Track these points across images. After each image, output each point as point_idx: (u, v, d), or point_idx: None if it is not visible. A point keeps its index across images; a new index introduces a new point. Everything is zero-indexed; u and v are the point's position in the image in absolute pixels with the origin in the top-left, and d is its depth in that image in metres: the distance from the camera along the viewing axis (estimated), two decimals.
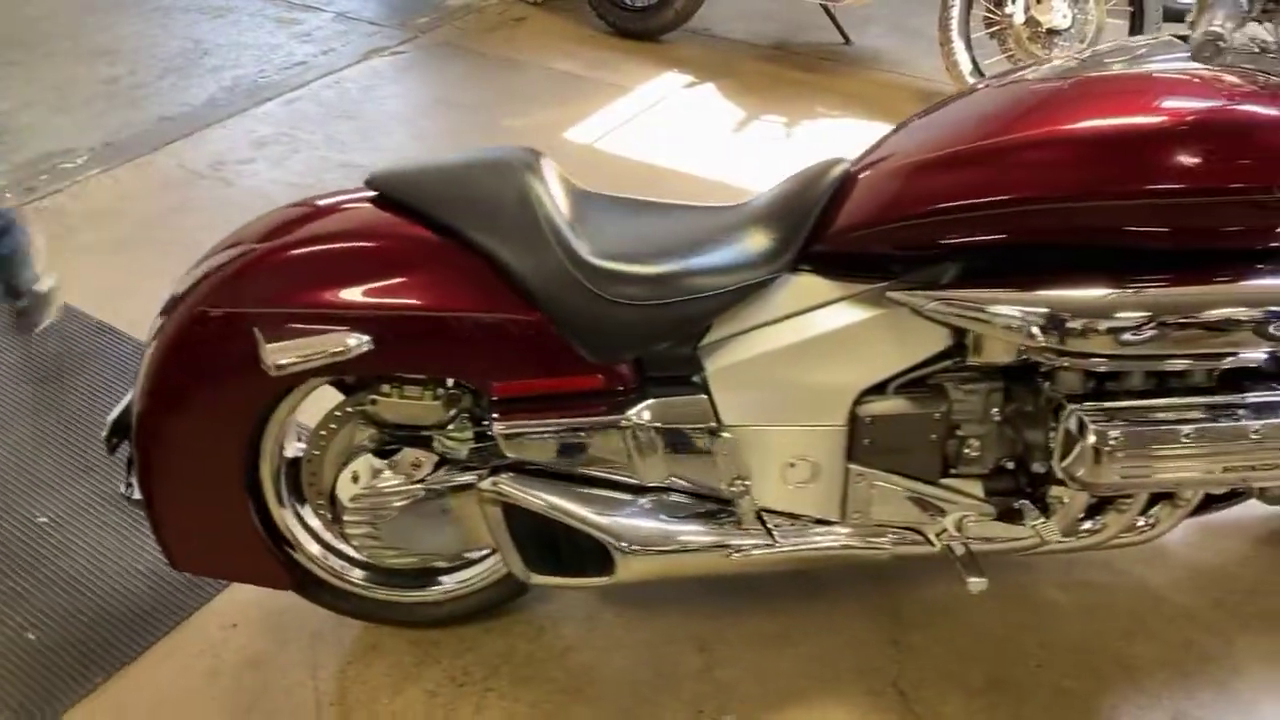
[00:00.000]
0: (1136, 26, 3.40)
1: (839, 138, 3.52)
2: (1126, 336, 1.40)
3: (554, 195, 1.52)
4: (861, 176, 1.55)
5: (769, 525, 1.60)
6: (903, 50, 4.13)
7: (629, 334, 1.49)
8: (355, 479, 1.59)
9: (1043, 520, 1.61)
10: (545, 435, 1.51)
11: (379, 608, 1.79)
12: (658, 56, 4.21)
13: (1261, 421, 1.44)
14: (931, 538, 1.63)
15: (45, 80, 4.08)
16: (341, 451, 1.63)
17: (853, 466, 1.58)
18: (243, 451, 1.58)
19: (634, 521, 1.55)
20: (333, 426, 1.62)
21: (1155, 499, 1.62)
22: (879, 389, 1.56)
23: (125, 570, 1.98)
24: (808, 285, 1.54)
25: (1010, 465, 1.63)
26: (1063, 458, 1.49)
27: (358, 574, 1.75)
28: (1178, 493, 1.59)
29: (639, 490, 1.58)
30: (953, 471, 1.62)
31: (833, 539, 1.63)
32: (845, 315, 1.54)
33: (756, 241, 1.54)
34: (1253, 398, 1.46)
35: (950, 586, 1.89)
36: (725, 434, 1.54)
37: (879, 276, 1.53)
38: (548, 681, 1.77)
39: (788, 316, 1.55)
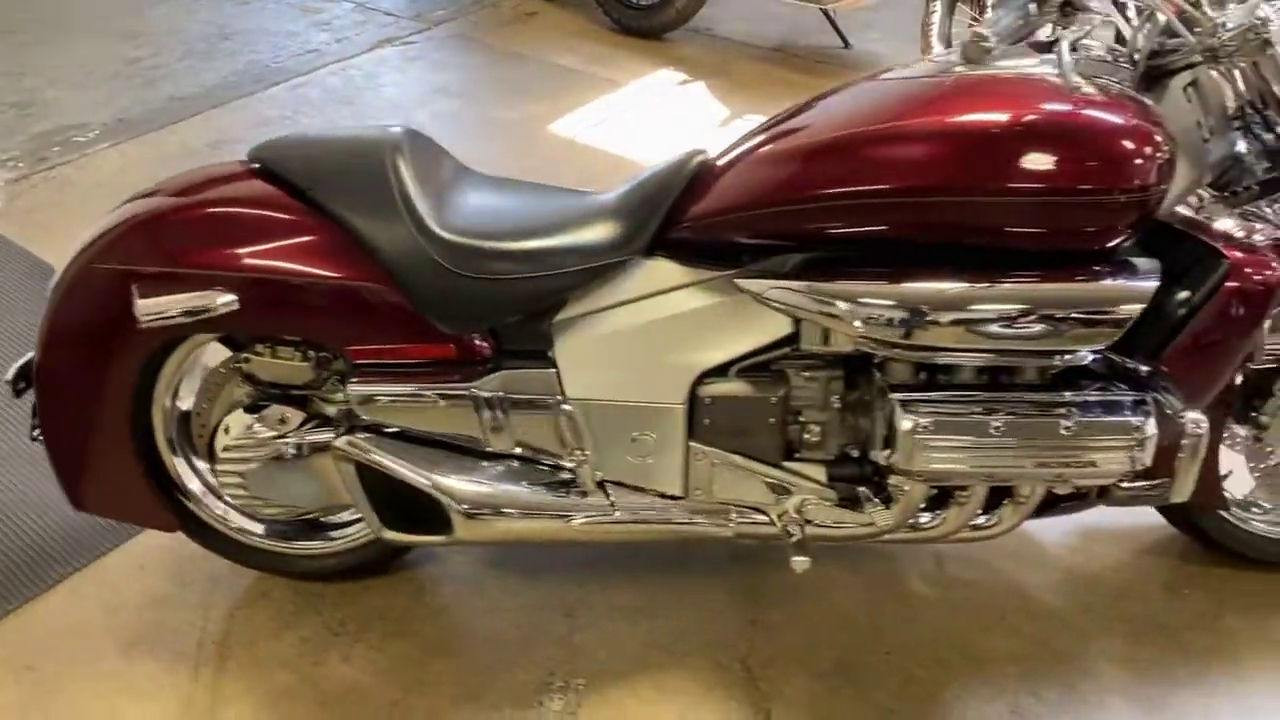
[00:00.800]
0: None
1: None
2: (945, 330, 1.45)
3: (418, 172, 1.60)
4: (718, 167, 1.61)
5: (611, 497, 1.67)
6: (899, 55, 4.12)
7: (476, 306, 1.58)
8: (227, 431, 1.71)
9: (882, 508, 1.65)
10: (396, 400, 1.61)
11: (264, 558, 1.90)
12: (656, 54, 4.29)
13: (1073, 420, 1.47)
14: (774, 518, 1.68)
15: (74, 59, 4.31)
16: (223, 406, 1.75)
17: (694, 444, 1.64)
18: (129, 400, 1.70)
19: (474, 485, 1.63)
20: (216, 382, 1.74)
21: (998, 496, 1.65)
22: (721, 371, 1.62)
23: (41, 511, 2.10)
24: (659, 270, 1.61)
25: (854, 453, 1.68)
26: (885, 445, 1.54)
27: (243, 523, 1.86)
28: (1016, 490, 1.62)
29: (489, 456, 1.67)
30: (797, 456, 1.68)
31: (676, 514, 1.69)
32: (691, 300, 1.60)
33: (612, 225, 1.60)
34: (1069, 396, 1.49)
35: (818, 570, 1.92)
36: (568, 407, 1.61)
37: (728, 264, 1.59)
38: (416, 636, 1.86)
39: (638, 299, 1.61)
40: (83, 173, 3.49)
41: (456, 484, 1.62)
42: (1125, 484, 1.61)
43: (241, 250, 1.57)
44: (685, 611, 1.89)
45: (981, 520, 1.67)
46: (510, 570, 1.98)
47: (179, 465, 1.81)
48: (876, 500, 1.65)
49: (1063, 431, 1.47)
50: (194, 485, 1.83)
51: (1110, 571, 1.96)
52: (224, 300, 1.55)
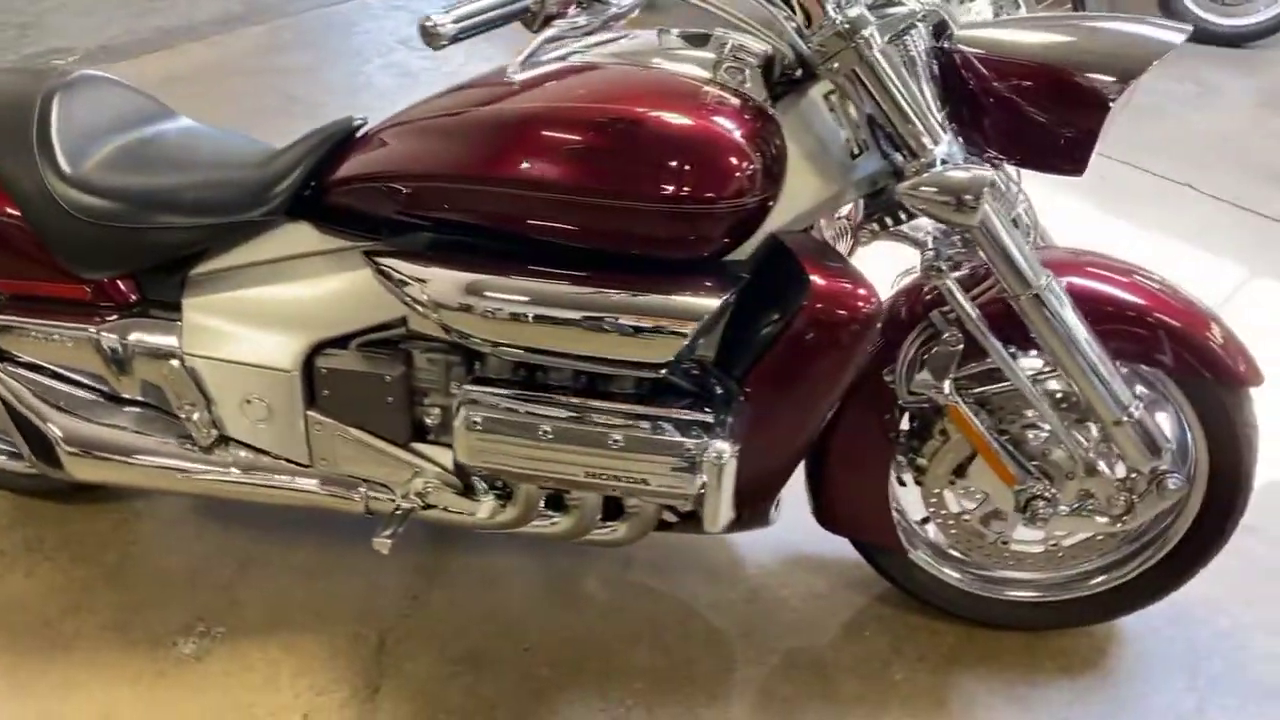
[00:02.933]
0: None
1: None
2: (499, 325, 1.41)
3: (74, 116, 1.64)
4: (369, 135, 1.59)
5: (231, 457, 1.69)
6: None
7: (102, 253, 1.61)
8: None
9: (498, 502, 1.62)
10: (26, 334, 1.67)
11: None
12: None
13: (624, 433, 1.41)
14: (398, 498, 1.67)
15: None
16: None
17: (311, 414, 1.64)
18: None
19: (90, 427, 1.69)
20: None
21: (614, 506, 1.60)
22: (344, 343, 1.61)
23: None
24: (298, 233, 1.61)
25: None
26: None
27: None
28: (625, 502, 1.57)
29: (123, 401, 1.71)
30: (429, 438, 1.66)
31: (301, 482, 1.70)
32: (320, 268, 1.60)
33: (256, 183, 1.60)
34: (623, 408, 1.42)
35: (504, 558, 1.92)
36: (179, 361, 1.64)
37: (367, 236, 1.57)
38: (99, 564, 1.93)
39: (272, 260, 1.62)
40: None
41: (67, 422, 1.68)
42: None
43: None
44: (355, 578, 1.90)
45: (603, 527, 1.62)
46: (212, 515, 2.03)
47: None
48: (492, 492, 1.62)
49: (611, 444, 1.41)
50: None
51: (798, 600, 1.86)
52: None
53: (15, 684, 1.72)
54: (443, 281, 1.42)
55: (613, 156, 1.36)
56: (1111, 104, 1.33)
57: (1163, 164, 3.27)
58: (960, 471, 1.61)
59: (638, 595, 1.88)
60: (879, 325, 1.40)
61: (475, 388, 1.48)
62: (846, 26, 1.28)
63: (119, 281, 1.66)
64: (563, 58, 1.47)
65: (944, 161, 1.30)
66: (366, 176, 1.52)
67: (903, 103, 1.31)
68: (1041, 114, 1.36)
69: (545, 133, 1.38)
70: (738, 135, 1.33)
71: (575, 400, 1.44)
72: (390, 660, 1.77)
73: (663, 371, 1.41)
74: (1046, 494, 1.56)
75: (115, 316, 1.66)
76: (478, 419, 1.44)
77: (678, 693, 1.71)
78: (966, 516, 1.67)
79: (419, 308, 1.45)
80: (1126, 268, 1.55)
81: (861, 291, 1.37)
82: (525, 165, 1.38)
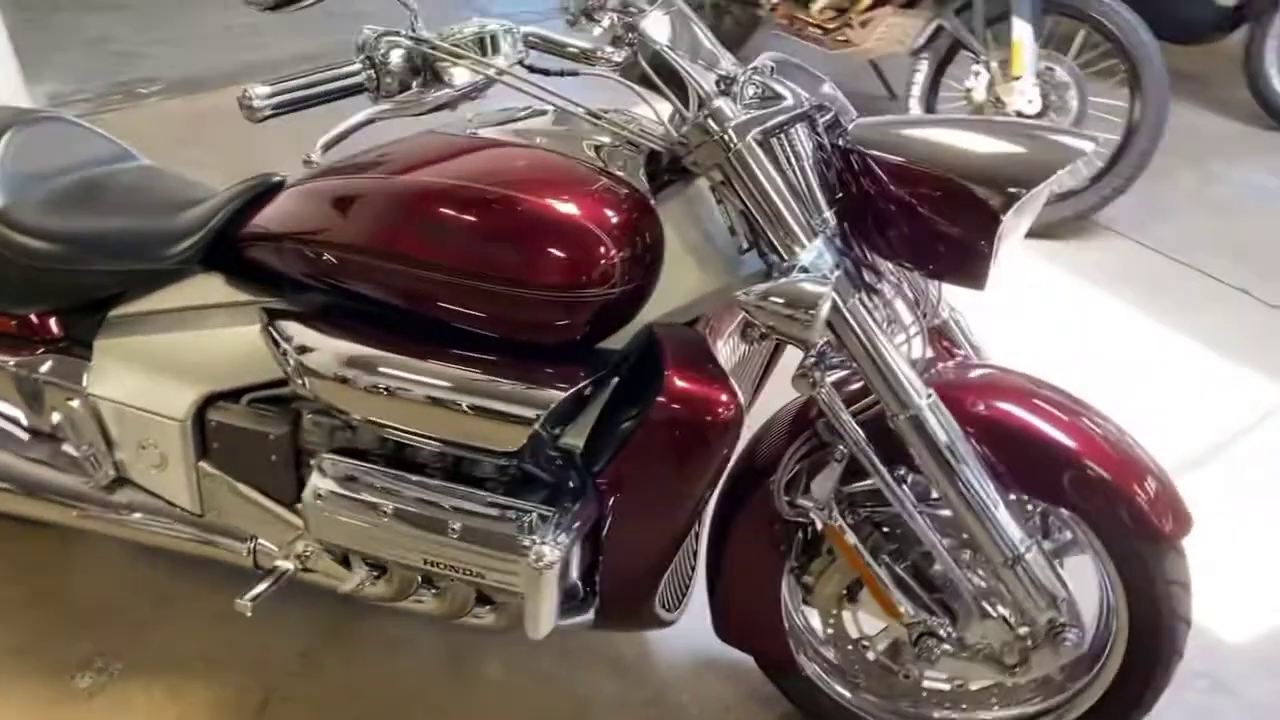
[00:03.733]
0: (1135, 111, 2.95)
1: None
2: (354, 394, 1.38)
3: (19, 154, 1.70)
4: (280, 192, 1.59)
5: (125, 499, 1.70)
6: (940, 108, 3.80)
7: (20, 290, 1.65)
8: None
9: (371, 573, 1.58)
10: None
11: None
12: None
13: (463, 521, 1.34)
14: (279, 557, 1.64)
15: (186, 23, 4.81)
16: None
17: (203, 465, 1.63)
18: None
19: None
20: None
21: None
22: (238, 397, 1.61)
23: None
24: (208, 284, 1.61)
25: None
26: None
27: None
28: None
29: (32, 432, 1.75)
30: None
31: (193, 530, 1.69)
32: (222, 320, 1.59)
33: (172, 231, 1.61)
34: (465, 495, 1.36)
35: (411, 626, 1.87)
36: (83, 400, 1.66)
37: (269, 291, 1.57)
38: (25, 585, 1.96)
39: (180, 309, 1.63)
40: (125, 120, 3.90)
41: None
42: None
43: None
44: (258, 626, 1.85)
45: (479, 611, 1.56)
46: (145, 549, 2.02)
47: None
48: (366, 564, 1.58)
49: (449, 532, 1.35)
50: None
51: (698, 708, 1.75)
52: None
53: None
54: (315, 345, 1.40)
55: (475, 237, 1.31)
56: (1001, 218, 1.21)
57: (1221, 265, 3.02)
58: (852, 595, 1.49)
59: (537, 683, 1.80)
60: (735, 430, 1.30)
61: (332, 457, 1.45)
62: (708, 120, 1.21)
63: (44, 318, 1.70)
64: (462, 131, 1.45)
65: (804, 270, 1.21)
66: (266, 234, 1.52)
67: (765, 203, 1.22)
68: (934, 222, 1.26)
69: (414, 208, 1.35)
70: (606, 222, 1.27)
71: (421, 482, 1.39)
72: (271, 713, 1.74)
73: (514, 460, 1.35)
74: (942, 632, 1.42)
75: (37, 351, 1.70)
76: (323, 489, 1.41)
77: None
78: (865, 643, 1.54)
79: (288, 369, 1.43)
80: (1055, 398, 1.39)
81: (719, 393, 1.28)
82: (393, 238, 1.36)
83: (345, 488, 1.41)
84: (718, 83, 1.29)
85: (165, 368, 1.62)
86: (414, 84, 1.23)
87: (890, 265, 1.42)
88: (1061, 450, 1.33)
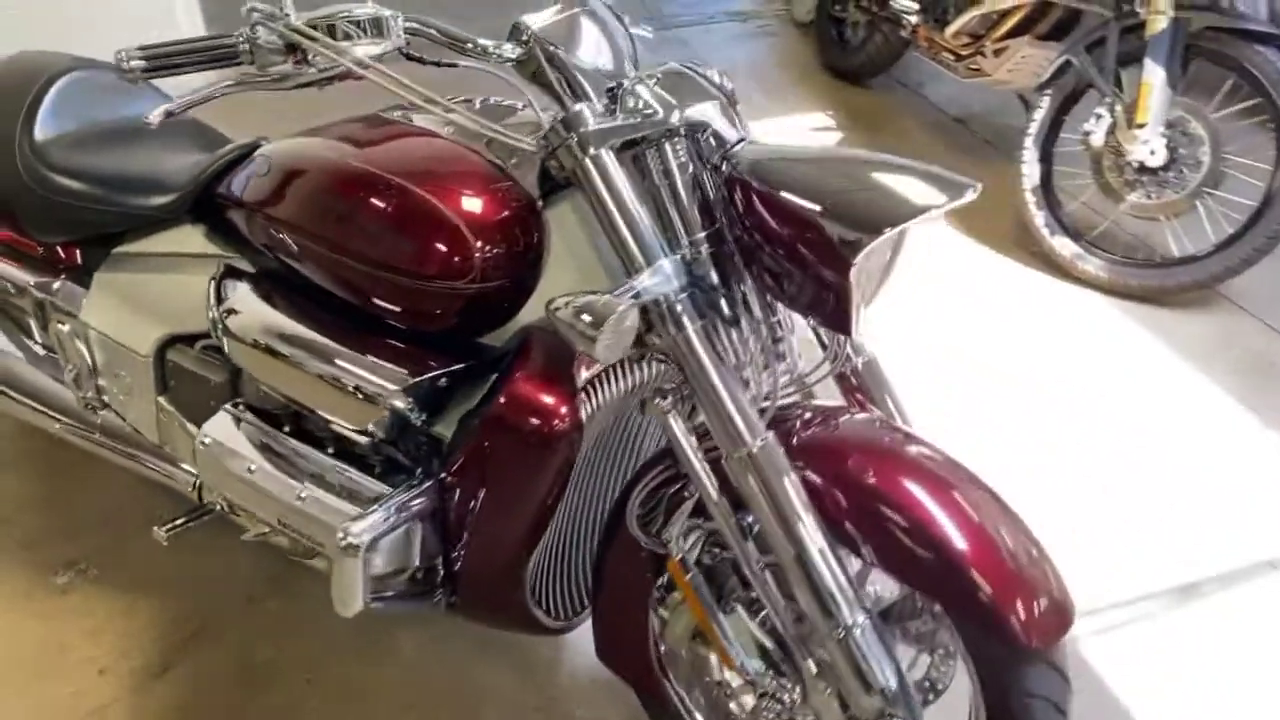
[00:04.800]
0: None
1: None
2: (246, 350, 1.46)
3: (69, 97, 1.88)
4: (252, 156, 1.68)
5: (99, 420, 1.85)
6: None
7: (46, 221, 1.82)
8: None
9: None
10: None
11: None
12: (835, 95, 4.07)
13: (307, 491, 1.38)
14: (209, 495, 1.74)
15: None
16: None
17: (160, 400, 1.76)
18: None
19: (4, 362, 1.91)
20: None
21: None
22: (193, 342, 1.72)
23: None
24: (189, 235, 1.72)
25: None
26: None
27: None
28: None
29: (48, 350, 1.93)
30: None
31: (152, 460, 1.83)
32: (189, 268, 1.69)
33: (168, 182, 1.73)
34: (317, 463, 1.39)
35: None
36: (75, 326, 1.81)
37: (239, 249, 1.68)
38: (44, 485, 2.18)
39: (164, 254, 1.76)
40: None
41: None
42: None
43: None
44: (217, 564, 2.00)
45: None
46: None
47: None
48: None
49: (296, 498, 1.39)
50: None
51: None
52: None
53: None
54: (238, 305, 1.49)
55: (352, 216, 1.34)
56: (853, 263, 1.11)
57: None
58: (706, 638, 1.41)
59: (441, 666, 1.82)
60: (567, 444, 1.27)
61: (231, 409, 1.52)
62: (561, 124, 1.19)
63: (67, 248, 1.88)
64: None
65: (638, 294, 1.15)
66: (228, 196, 1.61)
67: (608, 216, 1.18)
68: (796, 258, 1.17)
69: (315, 183, 1.40)
70: (471, 215, 1.28)
71: (288, 446, 1.44)
72: (193, 649, 1.85)
73: (372, 439, 1.38)
74: (785, 698, 1.33)
75: (56, 276, 1.88)
76: (209, 437, 1.49)
77: None
78: (728, 691, 1.46)
79: (210, 320, 1.52)
80: (932, 466, 1.24)
81: (558, 405, 1.25)
82: (297, 211, 1.41)
83: (226, 438, 1.48)
84: (610, 90, 1.26)
85: (140, 306, 1.76)
86: (286, 61, 1.26)
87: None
88: (921, 524, 1.19)
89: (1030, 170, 2.95)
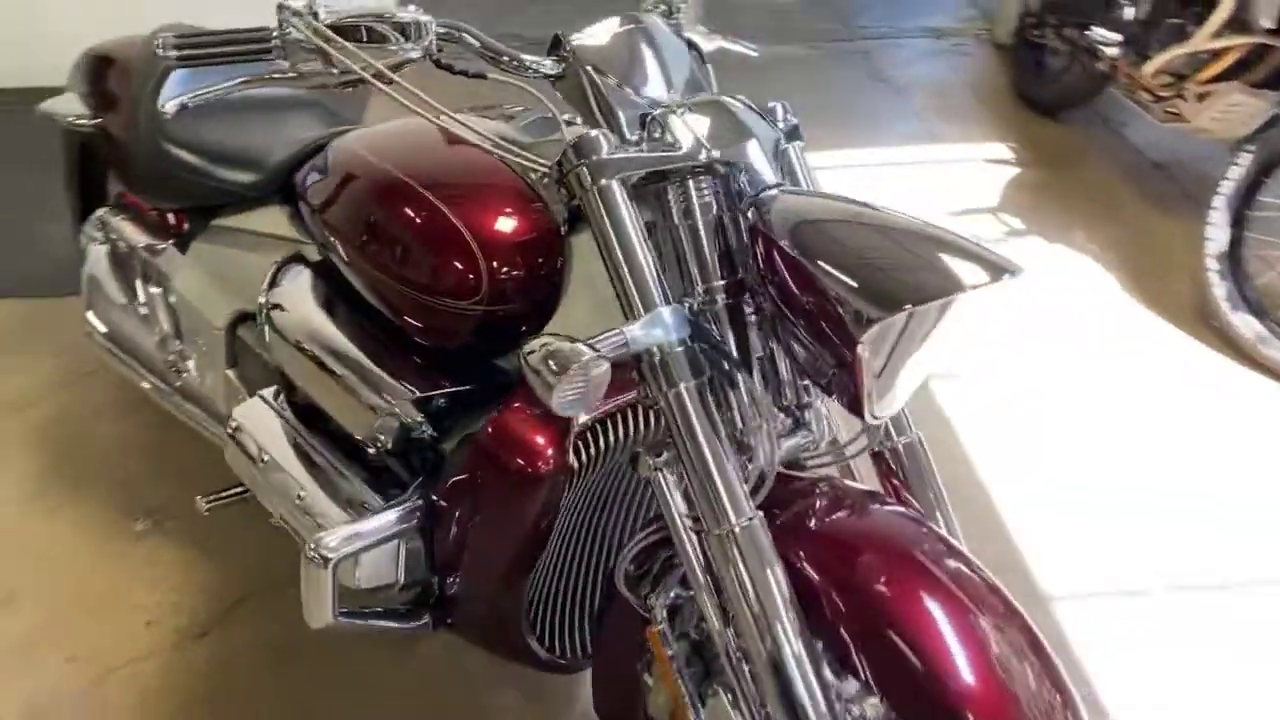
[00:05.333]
0: None
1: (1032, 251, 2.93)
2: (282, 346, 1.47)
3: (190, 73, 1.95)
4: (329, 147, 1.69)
5: (178, 381, 1.92)
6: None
7: (159, 189, 1.90)
8: None
9: None
10: (116, 230, 2.03)
11: None
12: (1022, 128, 3.77)
13: (309, 491, 1.36)
14: None
15: None
16: None
17: (228, 374, 1.80)
18: None
19: (113, 310, 2.02)
20: None
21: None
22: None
23: None
24: (274, 216, 1.77)
25: None
26: None
27: None
28: None
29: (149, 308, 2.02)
30: None
31: (220, 429, 1.87)
32: (268, 249, 1.74)
33: (262, 163, 1.78)
34: (324, 466, 1.37)
35: None
36: (168, 289, 1.89)
37: (309, 237, 1.70)
38: (154, 431, 2.29)
39: (251, 231, 1.81)
40: None
41: (100, 308, 2.03)
42: None
43: None
44: (276, 539, 2.03)
45: None
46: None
47: None
48: None
49: (297, 496, 1.39)
50: None
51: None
52: None
53: (28, 473, 2.16)
54: (285, 292, 1.51)
55: (379, 225, 1.33)
56: (859, 340, 0.97)
57: None
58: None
59: (454, 679, 1.79)
60: (546, 486, 1.19)
61: (262, 396, 1.53)
62: (570, 151, 1.10)
63: (178, 215, 1.96)
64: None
65: (626, 343, 1.05)
66: (297, 183, 1.63)
67: (610, 254, 1.09)
68: (809, 326, 1.04)
69: (354, 187, 1.40)
70: (486, 236, 1.23)
71: (302, 442, 1.44)
72: (236, 615, 1.90)
73: (375, 448, 1.35)
74: None
75: (165, 240, 1.97)
76: (235, 421, 1.50)
77: None
78: None
79: (260, 303, 1.54)
80: (965, 592, 1.05)
81: (544, 446, 1.18)
82: (335, 211, 1.42)
83: (251, 424, 1.49)
84: (643, 116, 1.17)
85: (221, 279, 1.81)
86: (316, 60, 1.23)
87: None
88: (928, 653, 1.02)
89: (1217, 234, 2.61)
